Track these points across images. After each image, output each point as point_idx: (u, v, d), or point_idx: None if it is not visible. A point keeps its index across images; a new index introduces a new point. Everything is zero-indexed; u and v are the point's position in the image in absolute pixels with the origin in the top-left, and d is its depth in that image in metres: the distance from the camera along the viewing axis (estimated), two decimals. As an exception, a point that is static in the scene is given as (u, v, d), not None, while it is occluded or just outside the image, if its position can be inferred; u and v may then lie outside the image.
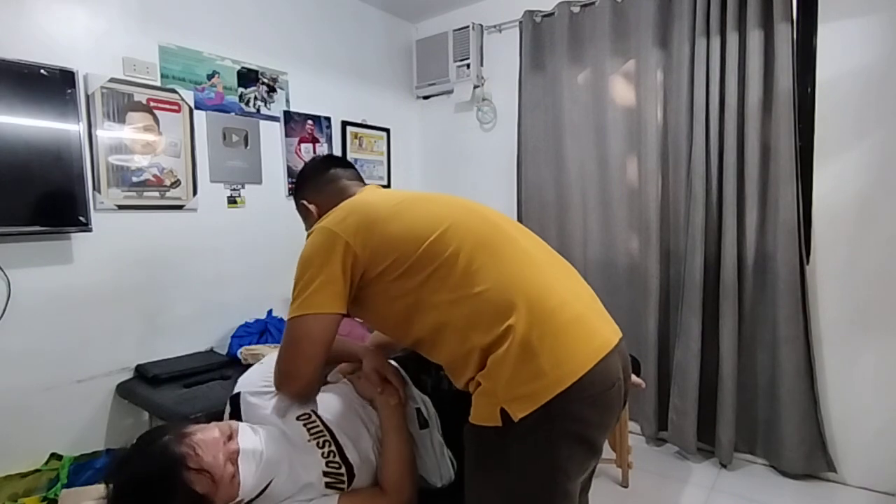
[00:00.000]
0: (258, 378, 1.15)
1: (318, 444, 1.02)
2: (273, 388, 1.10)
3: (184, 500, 0.86)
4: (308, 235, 1.06)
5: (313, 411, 1.08)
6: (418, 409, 1.11)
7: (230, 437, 0.96)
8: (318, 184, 1.24)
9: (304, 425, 1.05)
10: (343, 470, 1.01)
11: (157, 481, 0.86)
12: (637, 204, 2.43)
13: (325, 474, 1.00)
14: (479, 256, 0.95)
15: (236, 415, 1.11)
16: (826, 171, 2.05)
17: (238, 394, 1.14)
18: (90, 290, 1.89)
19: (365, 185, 1.25)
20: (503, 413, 0.86)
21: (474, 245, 0.97)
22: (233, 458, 0.92)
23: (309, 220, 1.24)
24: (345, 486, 1.01)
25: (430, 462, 1.10)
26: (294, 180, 2.55)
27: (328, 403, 1.11)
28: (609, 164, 2.48)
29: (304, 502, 0.98)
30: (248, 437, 0.97)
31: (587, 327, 0.93)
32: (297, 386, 1.02)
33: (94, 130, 1.87)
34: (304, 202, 1.25)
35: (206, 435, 0.93)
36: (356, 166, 1.35)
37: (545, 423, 0.86)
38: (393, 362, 1.18)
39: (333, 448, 1.03)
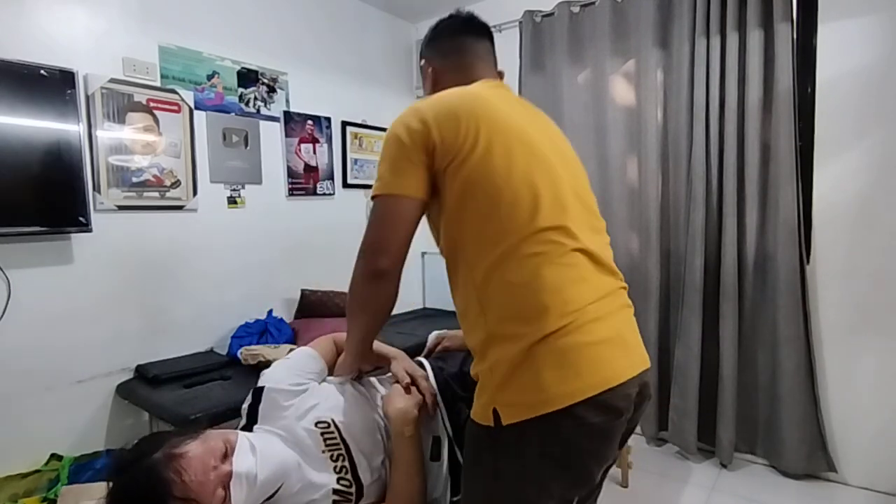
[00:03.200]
0: (286, 375, 1.12)
1: (331, 456, 1.00)
2: (299, 388, 1.08)
3: None
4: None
5: (333, 420, 1.05)
6: (436, 438, 1.07)
7: (225, 455, 0.92)
8: (443, 47, 1.14)
9: (322, 434, 1.03)
10: (353, 489, 0.99)
11: None
12: (637, 204, 2.43)
13: (335, 492, 0.98)
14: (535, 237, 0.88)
15: (255, 408, 1.08)
16: (826, 171, 2.05)
17: (262, 388, 1.10)
18: (90, 291, 1.89)
19: (495, 70, 1.14)
20: (495, 414, 0.85)
21: (540, 226, 0.88)
22: (224, 482, 0.89)
23: (425, 84, 1.18)
24: None
25: (428, 495, 1.08)
26: (294, 180, 2.57)
27: (348, 414, 1.08)
28: (609, 163, 2.48)
29: None
30: (244, 459, 0.93)
31: (612, 350, 0.87)
32: (387, 261, 0.95)
33: (94, 131, 1.86)
34: (424, 61, 1.17)
35: (197, 455, 0.89)
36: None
37: (534, 436, 0.83)
38: (432, 380, 1.16)
39: (346, 464, 1.00)
